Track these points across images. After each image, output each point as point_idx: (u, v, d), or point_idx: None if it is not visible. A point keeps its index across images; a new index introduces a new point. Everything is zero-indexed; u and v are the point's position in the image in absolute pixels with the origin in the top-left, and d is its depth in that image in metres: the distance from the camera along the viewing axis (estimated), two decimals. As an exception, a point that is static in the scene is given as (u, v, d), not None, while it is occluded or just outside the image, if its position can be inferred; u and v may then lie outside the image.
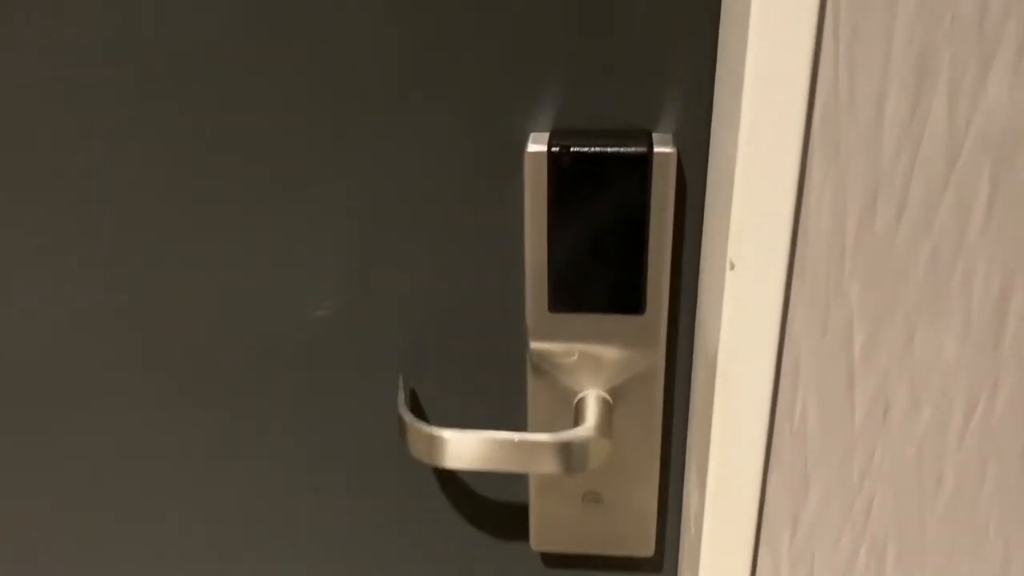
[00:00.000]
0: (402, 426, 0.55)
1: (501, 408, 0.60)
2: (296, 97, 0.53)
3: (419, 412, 0.61)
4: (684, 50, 0.50)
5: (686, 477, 0.59)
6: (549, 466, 0.52)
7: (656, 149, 0.50)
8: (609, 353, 0.56)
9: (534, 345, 0.56)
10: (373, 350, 0.59)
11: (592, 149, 0.50)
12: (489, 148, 0.53)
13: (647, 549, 0.61)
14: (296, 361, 0.60)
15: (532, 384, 0.57)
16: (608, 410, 0.56)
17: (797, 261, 0.43)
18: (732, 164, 0.43)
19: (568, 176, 0.51)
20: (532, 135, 0.52)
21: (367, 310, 0.58)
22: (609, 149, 0.50)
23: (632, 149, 0.50)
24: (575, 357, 0.56)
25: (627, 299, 0.54)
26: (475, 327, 0.58)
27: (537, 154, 0.51)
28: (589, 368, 0.56)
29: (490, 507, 0.63)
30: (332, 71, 0.52)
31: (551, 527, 0.62)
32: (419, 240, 0.56)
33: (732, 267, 0.43)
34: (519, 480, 0.62)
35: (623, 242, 0.52)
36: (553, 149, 0.51)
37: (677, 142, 0.52)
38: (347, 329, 0.59)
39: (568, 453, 0.52)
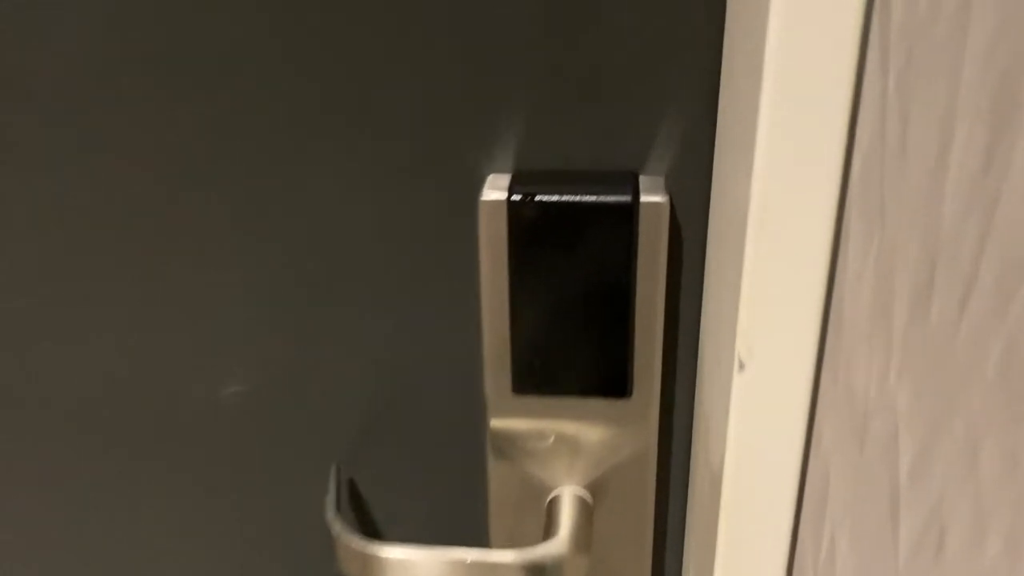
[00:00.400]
0: (333, 536, 0.44)
1: (457, 505, 0.50)
2: (210, 136, 0.42)
3: (359, 507, 0.50)
4: (680, 72, 0.39)
5: (683, 600, 0.48)
6: (512, 591, 0.42)
7: (643, 198, 0.40)
8: (588, 443, 0.45)
9: (495, 431, 0.45)
10: (301, 436, 0.49)
11: (563, 197, 0.40)
12: (438, 193, 0.43)
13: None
14: (205, 448, 0.50)
15: (494, 478, 0.47)
16: (587, 514, 0.45)
17: (827, 358, 0.33)
18: (742, 225, 0.32)
19: (534, 230, 0.41)
20: (490, 178, 0.42)
21: (293, 387, 0.48)
22: (585, 198, 0.40)
23: (613, 198, 0.40)
24: (546, 446, 0.46)
25: (609, 380, 0.43)
26: (425, 408, 0.47)
27: (494, 203, 0.41)
28: (563, 460, 0.46)
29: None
30: (245, 103, 0.42)
31: (520, 643, 0.51)
32: (356, 304, 0.45)
33: (742, 366, 0.33)
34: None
35: (603, 312, 0.42)
36: (514, 197, 0.40)
37: (670, 188, 0.41)
38: (268, 410, 0.48)
39: (536, 576, 0.42)
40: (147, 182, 0.43)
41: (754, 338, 0.32)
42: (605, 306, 0.42)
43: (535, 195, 0.40)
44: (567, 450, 0.46)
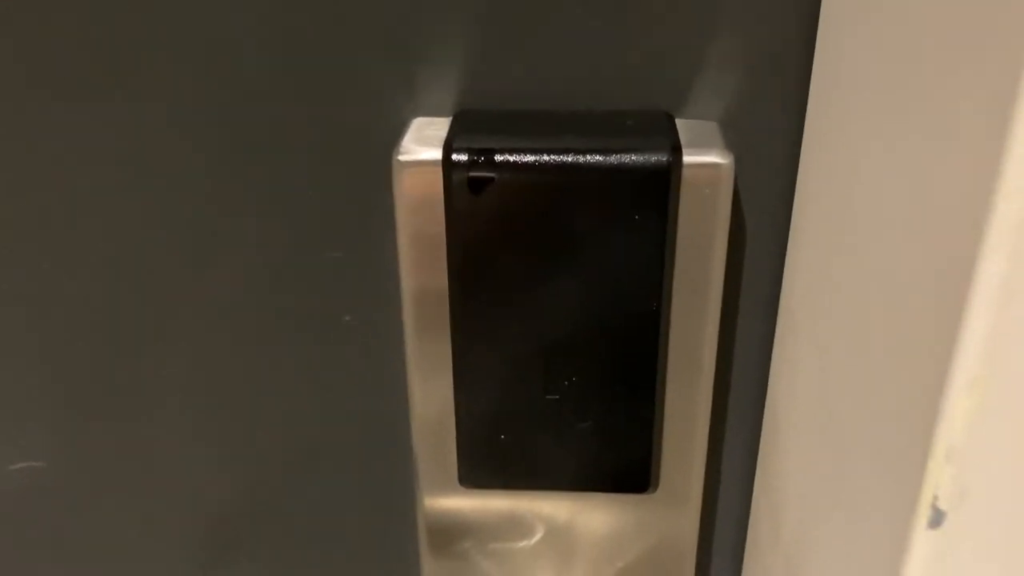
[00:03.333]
0: None
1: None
2: None
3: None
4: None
5: None
6: None
7: (689, 157, 0.22)
8: (587, 547, 0.28)
9: (432, 540, 0.28)
10: (122, 540, 0.31)
11: (545, 158, 0.22)
12: (318, 153, 0.25)
13: None
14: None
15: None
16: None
17: None
18: (967, 232, 0.15)
19: (492, 216, 0.23)
20: (414, 125, 0.24)
21: (107, 461, 0.30)
22: (582, 157, 0.22)
23: (635, 157, 0.22)
24: (512, 548, 0.28)
25: (619, 467, 0.26)
26: (311, 507, 0.30)
27: (420, 167, 0.23)
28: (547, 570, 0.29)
29: None
30: None
31: None
32: (198, 349, 0.27)
33: (938, 518, 0.15)
34: None
35: (611, 357, 0.24)
36: (457, 157, 0.22)
37: (733, 142, 0.24)
38: (76, 499, 0.30)
39: None
40: None
41: (974, 465, 0.15)
42: (614, 348, 0.24)
43: (493, 153, 0.22)
44: (553, 556, 0.28)
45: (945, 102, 0.15)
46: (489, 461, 0.26)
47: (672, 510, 0.27)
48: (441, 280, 0.24)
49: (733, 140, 0.24)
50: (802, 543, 0.23)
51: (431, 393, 0.26)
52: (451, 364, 0.25)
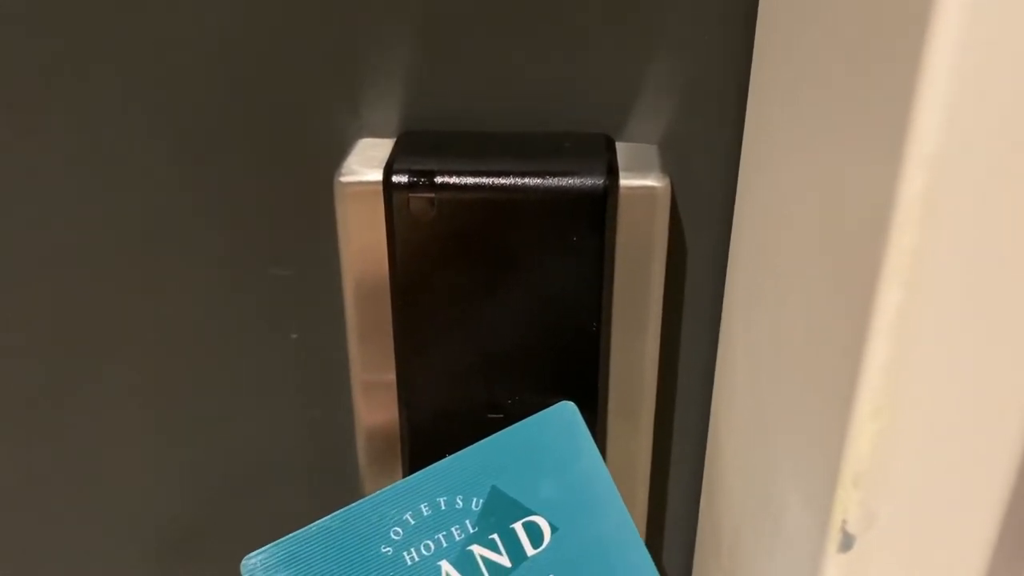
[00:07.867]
0: None
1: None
2: None
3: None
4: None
5: None
6: None
7: (627, 180, 0.23)
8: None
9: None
10: (74, 553, 0.31)
11: (486, 180, 0.22)
12: (279, 170, 0.25)
13: None
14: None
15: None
16: None
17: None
18: (867, 250, 0.15)
19: (435, 237, 0.23)
20: (358, 147, 0.24)
21: (57, 476, 0.30)
22: (522, 180, 0.22)
23: (572, 180, 0.22)
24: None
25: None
26: (264, 518, 0.30)
27: (363, 189, 0.23)
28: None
29: None
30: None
31: None
32: (131, 368, 0.27)
33: (848, 542, 0.16)
34: None
35: (551, 378, 0.24)
36: (398, 179, 0.23)
37: (670, 165, 0.24)
38: (28, 514, 0.30)
39: None
40: None
41: (881, 490, 0.15)
42: (556, 367, 0.24)
43: (433, 175, 0.22)
44: None
45: (851, 137, 0.15)
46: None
47: (617, 527, 0.27)
48: (385, 298, 0.24)
49: (672, 162, 0.24)
50: (736, 562, 0.23)
51: (376, 411, 0.26)
52: (395, 383, 0.25)
